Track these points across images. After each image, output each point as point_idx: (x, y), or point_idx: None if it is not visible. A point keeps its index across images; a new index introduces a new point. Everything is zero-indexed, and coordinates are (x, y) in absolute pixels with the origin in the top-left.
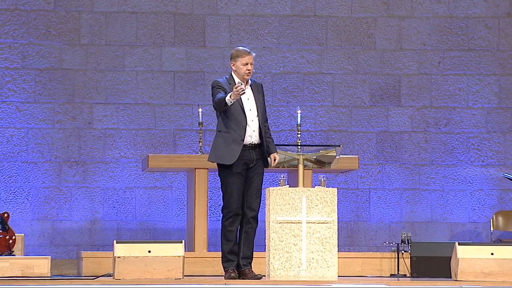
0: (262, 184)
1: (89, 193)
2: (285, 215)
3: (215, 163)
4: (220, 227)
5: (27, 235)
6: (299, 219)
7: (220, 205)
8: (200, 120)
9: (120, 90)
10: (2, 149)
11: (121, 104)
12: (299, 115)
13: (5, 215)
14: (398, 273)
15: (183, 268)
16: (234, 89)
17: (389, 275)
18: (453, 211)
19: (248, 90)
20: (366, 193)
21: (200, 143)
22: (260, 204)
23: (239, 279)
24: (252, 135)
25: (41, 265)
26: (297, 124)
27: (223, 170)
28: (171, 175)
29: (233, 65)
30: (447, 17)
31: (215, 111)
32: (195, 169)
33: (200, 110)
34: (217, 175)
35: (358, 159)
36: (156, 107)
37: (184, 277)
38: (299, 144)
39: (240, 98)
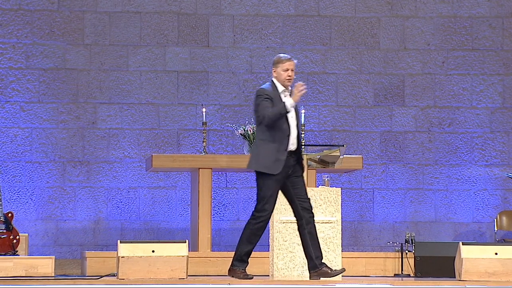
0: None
1: (93, 193)
2: (289, 215)
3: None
4: (244, 229)
5: (31, 235)
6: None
7: (223, 205)
8: (204, 120)
9: (124, 90)
10: (6, 149)
11: (125, 104)
12: (302, 115)
13: (9, 214)
14: (402, 273)
15: (187, 268)
16: (296, 90)
17: (393, 275)
18: (457, 211)
19: (288, 97)
20: (370, 193)
21: (204, 143)
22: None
23: (314, 279)
24: (294, 143)
25: (45, 265)
26: (301, 124)
27: (265, 177)
28: (175, 175)
29: (274, 71)
30: (451, 17)
31: (260, 121)
32: (199, 169)
33: (203, 110)
34: (255, 180)
35: (361, 159)
36: (160, 107)
37: (188, 277)
38: (303, 144)
39: None
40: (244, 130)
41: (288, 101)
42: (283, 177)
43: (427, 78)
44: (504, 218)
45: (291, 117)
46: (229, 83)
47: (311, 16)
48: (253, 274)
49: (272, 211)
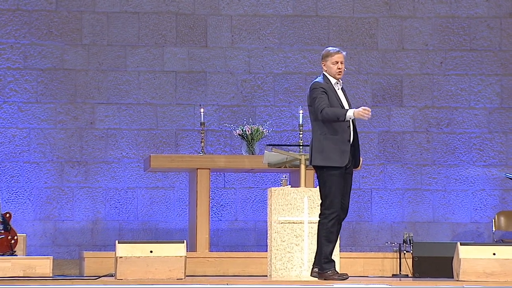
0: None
1: (91, 193)
2: (287, 215)
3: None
4: (318, 230)
5: (29, 235)
6: (301, 219)
7: (222, 205)
8: (202, 120)
9: (122, 90)
10: (4, 149)
11: (123, 104)
12: (301, 115)
13: (7, 215)
14: (400, 273)
15: (185, 268)
16: (362, 111)
17: (391, 275)
18: (455, 211)
19: (341, 90)
20: (368, 193)
21: (202, 143)
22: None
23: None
24: (351, 135)
25: (43, 265)
26: (299, 124)
27: (329, 171)
28: (173, 175)
29: (324, 65)
30: (449, 17)
31: (316, 116)
32: (197, 169)
33: (201, 110)
34: (317, 176)
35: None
36: (158, 107)
37: (186, 277)
38: (301, 144)
39: (339, 98)
40: (242, 131)
41: (350, 113)
42: (346, 170)
43: (425, 78)
44: (502, 219)
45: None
46: (227, 83)
47: (309, 16)
48: (251, 275)
49: (340, 208)
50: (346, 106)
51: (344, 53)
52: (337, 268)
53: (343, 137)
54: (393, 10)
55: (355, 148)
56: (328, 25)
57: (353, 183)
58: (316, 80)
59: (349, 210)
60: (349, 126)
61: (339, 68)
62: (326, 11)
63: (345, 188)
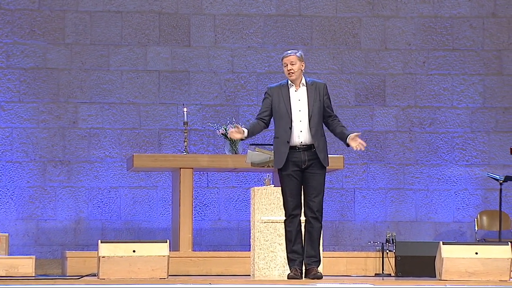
0: (321, 184)
1: (73, 193)
2: (270, 214)
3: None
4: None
5: (12, 235)
6: (284, 219)
7: (205, 204)
8: (185, 120)
9: (105, 89)
10: None
11: (106, 104)
12: None
13: None
14: (382, 272)
15: (168, 268)
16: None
17: (373, 275)
18: (437, 210)
19: (302, 91)
20: (351, 193)
21: (185, 143)
22: (320, 204)
23: (300, 278)
24: (300, 136)
25: (26, 264)
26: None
27: (279, 173)
28: (156, 174)
29: None
30: (431, 17)
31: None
32: (180, 168)
33: (185, 109)
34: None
35: (343, 158)
36: (141, 106)
37: (169, 276)
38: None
39: (289, 99)
40: (226, 130)
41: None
42: (295, 172)
43: (408, 78)
44: (484, 218)
45: (299, 110)
46: (210, 82)
47: (292, 16)
48: (234, 274)
49: (293, 206)
50: (302, 107)
51: (293, 54)
52: (320, 268)
53: (283, 139)
54: (376, 10)
55: (313, 151)
56: (311, 25)
57: (336, 182)
58: (272, 84)
59: (331, 210)
60: (291, 128)
61: (288, 70)
62: (309, 10)
63: (305, 188)
